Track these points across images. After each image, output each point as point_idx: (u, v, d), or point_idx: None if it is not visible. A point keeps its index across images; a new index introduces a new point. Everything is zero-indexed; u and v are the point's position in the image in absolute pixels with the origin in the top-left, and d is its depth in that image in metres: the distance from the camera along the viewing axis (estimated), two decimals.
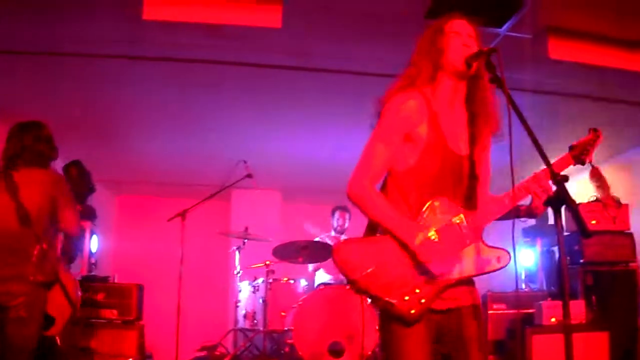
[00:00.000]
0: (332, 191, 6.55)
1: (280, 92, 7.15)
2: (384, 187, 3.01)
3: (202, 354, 8.05)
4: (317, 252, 7.91)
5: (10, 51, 6.04)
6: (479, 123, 3.03)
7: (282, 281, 7.94)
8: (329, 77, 6.62)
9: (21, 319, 4.39)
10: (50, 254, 4.61)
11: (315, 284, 8.46)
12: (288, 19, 5.19)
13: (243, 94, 7.14)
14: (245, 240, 8.44)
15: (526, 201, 2.96)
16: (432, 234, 2.78)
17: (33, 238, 4.49)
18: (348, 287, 7.19)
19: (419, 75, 2.95)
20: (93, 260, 7.90)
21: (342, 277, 7.86)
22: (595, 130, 3.07)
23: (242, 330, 8.11)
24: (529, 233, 8.83)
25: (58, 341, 4.94)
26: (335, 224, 9.23)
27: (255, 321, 7.83)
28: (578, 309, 7.18)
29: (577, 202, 7.53)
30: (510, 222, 2.82)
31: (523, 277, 8.83)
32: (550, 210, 2.65)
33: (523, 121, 2.63)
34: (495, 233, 3.04)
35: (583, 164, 3.05)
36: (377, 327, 6.91)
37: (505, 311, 7.72)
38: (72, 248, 4.94)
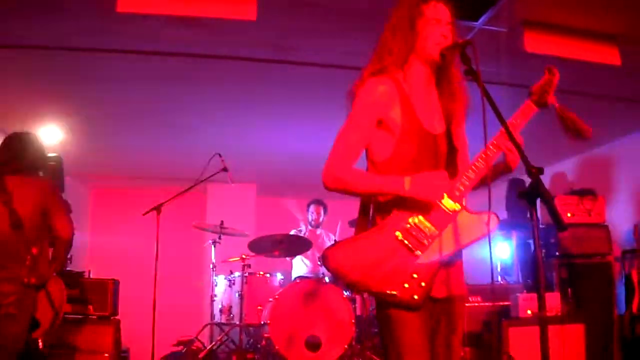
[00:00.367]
0: (307, 185, 6.55)
1: (256, 86, 7.11)
2: None
3: (179, 348, 7.99)
4: (293, 246, 7.91)
5: None
6: (450, 100, 3.04)
7: (258, 275, 7.91)
8: (305, 70, 6.59)
9: (11, 316, 4.48)
10: (42, 258, 4.74)
11: (292, 277, 8.46)
12: (263, 11, 5.16)
13: (219, 87, 7.10)
14: (221, 234, 8.39)
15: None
16: (418, 219, 2.80)
17: (25, 243, 4.59)
18: (326, 280, 7.24)
19: (392, 59, 2.94)
20: (68, 256, 7.84)
21: (319, 269, 7.88)
22: (549, 69, 3.10)
23: (219, 324, 8.08)
24: (504, 226, 8.86)
25: (40, 344, 4.99)
26: (310, 218, 9.24)
27: (232, 315, 7.80)
28: (554, 301, 7.21)
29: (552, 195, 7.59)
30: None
31: (499, 269, 8.86)
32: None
33: (497, 114, 2.62)
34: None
35: (546, 106, 3.04)
36: (353, 320, 6.92)
37: (482, 304, 7.75)
38: (63, 254, 4.99)
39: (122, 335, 7.42)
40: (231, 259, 8.11)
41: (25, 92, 7.26)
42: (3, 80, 6.94)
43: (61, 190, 6.65)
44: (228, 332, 7.84)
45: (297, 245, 7.94)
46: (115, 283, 7.28)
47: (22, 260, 4.56)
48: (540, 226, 7.68)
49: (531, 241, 2.32)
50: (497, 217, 2.86)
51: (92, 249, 11.16)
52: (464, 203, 2.89)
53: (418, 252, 2.77)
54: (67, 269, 7.59)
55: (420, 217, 2.80)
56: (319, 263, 8.26)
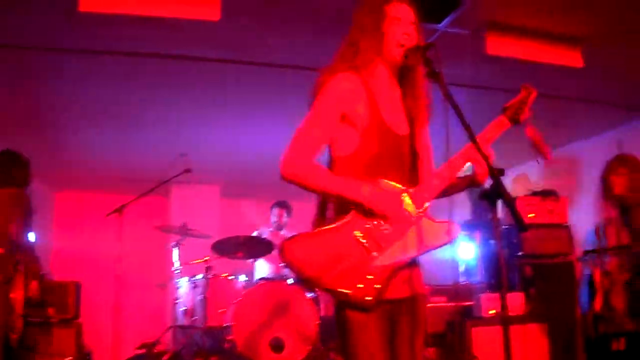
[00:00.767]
0: (271, 187, 6.51)
1: (220, 87, 7.08)
2: None
3: (142, 351, 7.93)
4: (256, 248, 7.87)
5: None
6: (414, 103, 3.03)
7: (221, 277, 7.86)
8: (269, 71, 6.58)
9: None
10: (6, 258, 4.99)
11: (255, 279, 8.43)
12: (227, 11, 5.13)
13: (181, 87, 7.04)
14: (184, 236, 8.33)
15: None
16: (378, 221, 2.79)
17: None
18: (290, 282, 7.22)
19: (358, 59, 2.93)
20: None
21: (283, 271, 7.85)
22: (526, 87, 3.12)
23: (182, 327, 8.01)
24: (468, 226, 8.90)
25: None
26: (274, 220, 9.20)
27: (195, 318, 7.74)
28: (517, 301, 7.28)
29: (514, 196, 7.65)
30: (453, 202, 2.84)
31: (462, 269, 8.90)
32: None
33: (460, 116, 2.62)
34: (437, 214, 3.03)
35: (519, 123, 3.05)
36: (317, 322, 6.92)
37: (445, 304, 7.79)
38: (26, 257, 5.09)
39: (85, 339, 7.37)
40: (194, 261, 8.05)
41: None
42: None
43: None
44: (191, 334, 7.78)
45: (260, 247, 7.90)
46: (77, 286, 7.21)
47: None
48: (503, 227, 7.78)
49: (494, 241, 2.35)
50: (458, 227, 2.88)
51: (55, 252, 11.03)
52: (426, 210, 2.88)
53: (375, 254, 2.75)
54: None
55: (381, 220, 2.79)
56: (281, 265, 8.24)
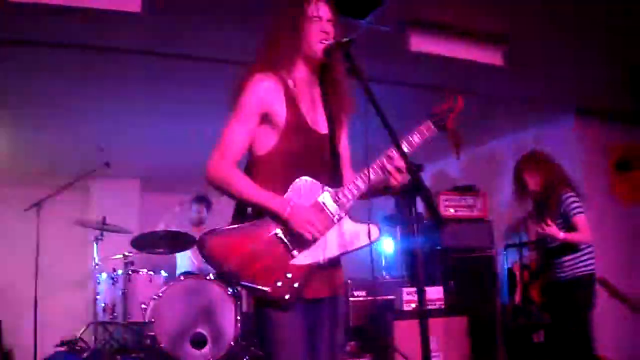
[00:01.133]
0: (191, 181, 6.46)
1: (140, 79, 6.94)
2: (247, 174, 2.96)
3: (62, 348, 7.78)
4: (177, 242, 7.78)
5: None
6: (334, 103, 3.06)
7: (141, 272, 7.75)
8: (190, 65, 6.50)
9: None
10: None
11: (176, 274, 8.35)
12: (147, 3, 5.04)
13: (100, 79, 6.89)
14: (103, 231, 8.19)
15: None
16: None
17: None
18: (211, 277, 7.16)
19: (276, 57, 2.94)
20: None
21: (204, 266, 7.79)
22: (455, 97, 3.13)
23: (102, 323, 7.87)
24: (389, 221, 8.97)
25: None
26: (193, 215, 9.09)
27: (115, 314, 7.61)
28: (437, 294, 7.36)
29: (433, 190, 7.74)
30: (374, 204, 2.85)
31: (383, 264, 8.97)
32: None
33: (379, 112, 2.63)
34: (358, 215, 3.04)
35: (445, 130, 3.08)
36: (238, 317, 6.89)
37: (366, 298, 7.85)
38: None
39: (4, 337, 7.22)
40: (114, 257, 7.93)
41: None
42: None
43: None
44: (112, 331, 7.67)
45: (180, 242, 7.80)
46: None
47: None
48: (425, 221, 7.86)
49: (413, 236, 2.37)
50: (379, 229, 2.91)
51: None
52: (348, 210, 2.90)
53: (295, 253, 2.77)
54: None
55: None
56: (203, 260, 8.17)
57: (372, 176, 2.85)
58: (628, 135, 8.83)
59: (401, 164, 2.82)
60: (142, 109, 7.91)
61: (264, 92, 2.87)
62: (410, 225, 2.65)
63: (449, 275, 7.88)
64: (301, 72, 3.00)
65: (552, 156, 6.21)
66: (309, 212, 2.78)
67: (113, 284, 7.72)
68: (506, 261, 8.74)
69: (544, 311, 6.82)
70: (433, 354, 2.56)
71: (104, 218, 8.04)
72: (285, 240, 2.76)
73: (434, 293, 7.36)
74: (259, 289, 2.70)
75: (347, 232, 2.88)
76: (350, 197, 2.87)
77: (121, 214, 9.21)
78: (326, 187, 2.87)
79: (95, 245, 8.14)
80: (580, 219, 5.75)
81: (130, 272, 7.57)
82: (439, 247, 7.94)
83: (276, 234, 2.77)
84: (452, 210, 8.13)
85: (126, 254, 7.70)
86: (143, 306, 7.28)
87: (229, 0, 5.27)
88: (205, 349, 6.77)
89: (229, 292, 6.94)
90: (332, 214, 2.84)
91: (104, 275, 7.94)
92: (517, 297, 7.98)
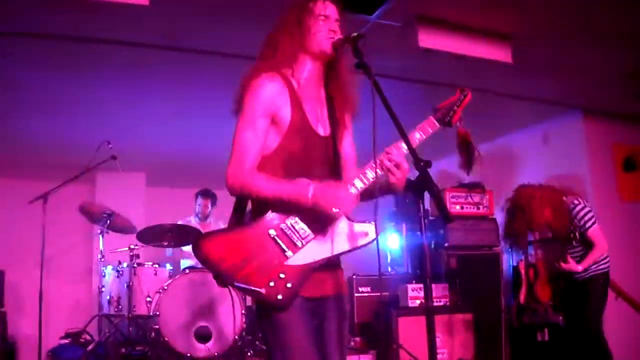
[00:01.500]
0: (196, 175, 6.46)
1: (147, 73, 6.94)
2: None
3: (66, 341, 7.79)
4: (182, 236, 7.78)
5: None
6: (338, 104, 3.06)
7: (146, 265, 7.76)
8: (199, 59, 6.47)
9: None
10: None
11: (181, 268, 8.36)
12: None
13: (108, 72, 6.88)
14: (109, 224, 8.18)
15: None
16: (295, 220, 2.80)
17: None
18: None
19: (281, 56, 2.94)
20: None
21: None
22: (462, 90, 3.11)
23: (107, 316, 7.88)
24: (394, 217, 8.96)
25: None
26: (197, 209, 9.11)
27: (120, 307, 7.62)
28: (442, 291, 7.35)
29: (440, 187, 7.72)
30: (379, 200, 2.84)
31: (388, 260, 8.96)
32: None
33: (388, 107, 2.63)
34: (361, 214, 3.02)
35: (450, 125, 3.07)
36: (243, 312, 6.89)
37: (371, 294, 7.85)
38: None
39: (9, 328, 7.22)
40: (119, 250, 7.93)
41: None
42: None
43: None
44: (116, 324, 7.68)
45: (186, 235, 7.80)
46: (1, 274, 7.05)
47: None
48: (430, 218, 7.85)
49: (419, 232, 2.36)
50: (377, 228, 2.88)
51: None
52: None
53: (289, 253, 2.76)
54: None
55: (297, 219, 2.80)
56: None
57: (370, 175, 2.84)
58: (635, 135, 8.81)
59: (400, 159, 2.82)
60: (149, 102, 7.89)
61: (271, 94, 2.86)
62: (417, 222, 2.64)
63: (454, 273, 7.87)
64: (306, 72, 3.00)
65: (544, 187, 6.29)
66: (332, 187, 2.76)
67: (118, 276, 7.74)
68: (511, 259, 8.72)
69: (560, 311, 6.80)
70: (438, 350, 2.55)
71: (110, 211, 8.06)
72: (279, 241, 2.76)
73: (439, 290, 7.35)
74: (252, 289, 2.69)
75: (344, 232, 2.87)
76: None
77: (126, 207, 9.21)
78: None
79: (100, 238, 8.14)
80: (594, 231, 5.79)
81: (135, 265, 7.57)
82: (445, 244, 7.92)
83: (270, 235, 2.76)
84: (458, 207, 8.11)
85: (132, 246, 7.70)
86: (148, 299, 7.31)
87: None
88: (210, 343, 6.78)
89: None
90: (329, 215, 2.79)
91: (109, 268, 7.96)
92: (522, 296, 7.96)
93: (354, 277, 7.84)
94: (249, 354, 6.95)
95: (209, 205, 9.05)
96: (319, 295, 2.87)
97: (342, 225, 2.86)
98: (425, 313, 2.61)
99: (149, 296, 7.35)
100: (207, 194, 9.04)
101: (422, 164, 2.57)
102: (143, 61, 6.55)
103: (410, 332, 6.83)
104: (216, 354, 6.75)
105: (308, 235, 2.79)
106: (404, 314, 7.01)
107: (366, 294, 7.86)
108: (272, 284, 2.69)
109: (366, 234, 2.87)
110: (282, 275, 2.72)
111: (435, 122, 3.00)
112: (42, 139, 9.23)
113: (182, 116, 8.34)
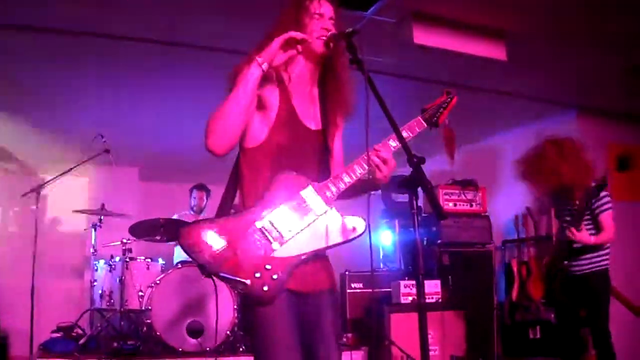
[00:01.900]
0: (190, 170, 6.45)
1: (141, 67, 6.93)
2: (236, 166, 2.99)
3: (58, 334, 7.77)
4: (175, 230, 7.76)
5: None
6: (331, 101, 3.06)
7: (139, 260, 7.76)
8: (194, 54, 6.47)
9: None
10: None
11: (174, 262, 8.35)
12: None
13: (101, 66, 6.86)
14: (102, 218, 8.18)
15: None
16: (282, 212, 2.79)
17: None
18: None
19: None
20: None
21: None
22: (449, 92, 3.15)
23: (99, 310, 7.88)
24: (387, 213, 8.97)
25: None
26: (192, 203, 9.13)
27: (112, 301, 7.62)
28: (434, 288, 7.36)
29: (434, 184, 7.73)
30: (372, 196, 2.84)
31: (381, 256, 8.98)
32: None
33: (381, 104, 2.63)
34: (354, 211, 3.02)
35: (437, 126, 3.09)
36: (235, 307, 6.89)
37: (363, 290, 7.86)
38: None
39: (0, 321, 7.20)
40: (112, 244, 7.92)
41: None
42: None
43: None
44: (108, 318, 7.66)
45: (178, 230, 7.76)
46: None
47: None
48: (423, 214, 7.85)
49: (412, 229, 2.35)
50: (365, 222, 2.87)
51: None
52: (333, 204, 2.88)
53: (276, 245, 2.73)
54: None
55: (285, 209, 2.79)
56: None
57: (358, 171, 2.86)
58: (630, 134, 8.84)
59: (388, 155, 2.84)
60: (142, 97, 7.88)
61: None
62: (410, 218, 2.65)
63: (446, 269, 7.88)
64: (299, 69, 3.01)
65: (582, 145, 6.17)
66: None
67: (110, 270, 7.73)
68: (504, 257, 8.76)
69: (553, 307, 6.79)
70: (429, 347, 2.56)
71: (103, 205, 8.05)
72: (266, 233, 2.74)
73: (432, 287, 7.36)
74: (238, 280, 2.66)
75: (331, 226, 2.85)
76: (335, 191, 2.86)
77: (119, 201, 9.19)
78: (311, 182, 2.86)
79: (93, 231, 8.13)
80: (608, 217, 5.77)
81: (127, 260, 7.57)
82: (438, 241, 7.94)
83: (257, 226, 2.75)
84: (451, 204, 8.14)
85: (124, 241, 7.69)
86: (140, 293, 7.30)
87: None
88: (201, 338, 6.77)
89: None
90: (314, 208, 2.82)
91: (102, 262, 7.96)
92: (514, 293, 7.99)
93: (346, 273, 7.85)
94: (240, 349, 6.94)
95: (205, 198, 9.09)
96: (308, 289, 2.85)
97: (331, 219, 2.85)
98: (417, 310, 2.61)
99: (141, 290, 7.34)
100: (203, 187, 9.09)
101: (415, 160, 2.57)
102: (137, 55, 6.53)
103: (402, 328, 6.83)
104: (208, 348, 6.74)
105: (295, 227, 2.78)
106: (396, 310, 7.01)
107: (358, 290, 7.87)
108: (258, 275, 2.67)
109: (354, 229, 2.85)
110: (268, 267, 2.69)
111: (423, 122, 3.03)
112: (35, 132, 9.19)
113: (176, 111, 8.33)
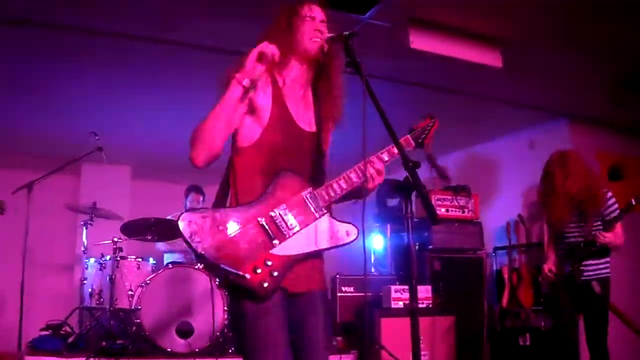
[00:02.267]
0: (184, 171, 6.40)
1: (134, 65, 6.91)
2: (230, 167, 2.98)
3: (47, 332, 7.74)
4: (167, 230, 7.74)
5: None
6: (324, 105, 3.10)
7: (129, 259, 7.72)
8: (188, 53, 6.46)
9: None
10: None
11: (164, 262, 8.34)
12: None
13: (94, 64, 6.83)
14: (93, 216, 8.15)
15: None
16: (284, 211, 2.80)
17: None
18: (197, 265, 7.11)
19: None
20: None
21: (192, 256, 7.75)
22: (432, 117, 3.24)
23: (88, 308, 7.84)
24: (379, 218, 8.97)
25: None
26: (188, 205, 9.08)
27: (102, 299, 7.58)
28: (425, 293, 7.36)
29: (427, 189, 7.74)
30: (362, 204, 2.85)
31: (372, 261, 8.98)
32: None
33: (377, 106, 2.63)
34: (348, 216, 3.03)
35: (422, 147, 3.16)
36: (225, 308, 6.87)
37: (354, 294, 7.86)
38: None
39: None
40: (103, 242, 7.89)
41: None
42: None
43: None
44: (98, 316, 7.64)
45: (170, 230, 7.76)
46: None
47: None
48: (415, 219, 7.86)
49: (405, 234, 2.37)
50: (359, 229, 2.91)
51: None
52: (329, 208, 2.93)
53: (276, 242, 2.75)
54: None
55: (286, 209, 2.80)
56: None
57: (354, 178, 2.91)
58: (621, 144, 8.86)
59: (381, 167, 2.93)
60: (135, 95, 7.86)
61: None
62: (403, 223, 2.66)
63: (437, 275, 7.90)
64: (293, 72, 3.05)
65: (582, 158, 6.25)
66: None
67: (101, 269, 7.69)
68: (495, 263, 8.77)
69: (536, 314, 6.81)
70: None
71: (95, 203, 8.02)
72: (267, 229, 2.75)
73: (422, 292, 7.36)
74: (238, 274, 2.65)
75: (327, 230, 2.88)
76: (331, 195, 2.89)
77: (111, 200, 9.17)
78: (309, 185, 2.89)
79: (84, 229, 8.11)
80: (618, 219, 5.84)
81: (118, 259, 7.52)
82: (429, 247, 7.96)
83: (259, 221, 2.75)
84: (444, 210, 8.16)
85: (115, 239, 7.66)
86: (130, 293, 7.28)
87: None
88: (191, 339, 6.75)
89: (217, 283, 6.91)
90: (313, 210, 2.86)
91: (92, 260, 7.93)
92: (505, 300, 8.01)
93: (337, 276, 7.85)
94: (230, 350, 6.92)
95: (200, 200, 9.06)
96: (299, 289, 2.86)
97: (325, 223, 2.88)
98: (409, 315, 2.61)
99: (131, 290, 7.32)
100: (199, 190, 9.04)
101: (410, 164, 2.59)
102: (130, 54, 6.52)
103: (392, 333, 6.83)
104: (197, 349, 6.73)
105: (295, 227, 2.80)
106: (386, 314, 7.02)
107: (349, 294, 7.87)
108: (258, 270, 2.67)
109: (347, 234, 2.90)
110: (269, 263, 2.70)
111: (412, 140, 3.11)
112: (28, 129, 9.17)
113: (169, 110, 8.32)
